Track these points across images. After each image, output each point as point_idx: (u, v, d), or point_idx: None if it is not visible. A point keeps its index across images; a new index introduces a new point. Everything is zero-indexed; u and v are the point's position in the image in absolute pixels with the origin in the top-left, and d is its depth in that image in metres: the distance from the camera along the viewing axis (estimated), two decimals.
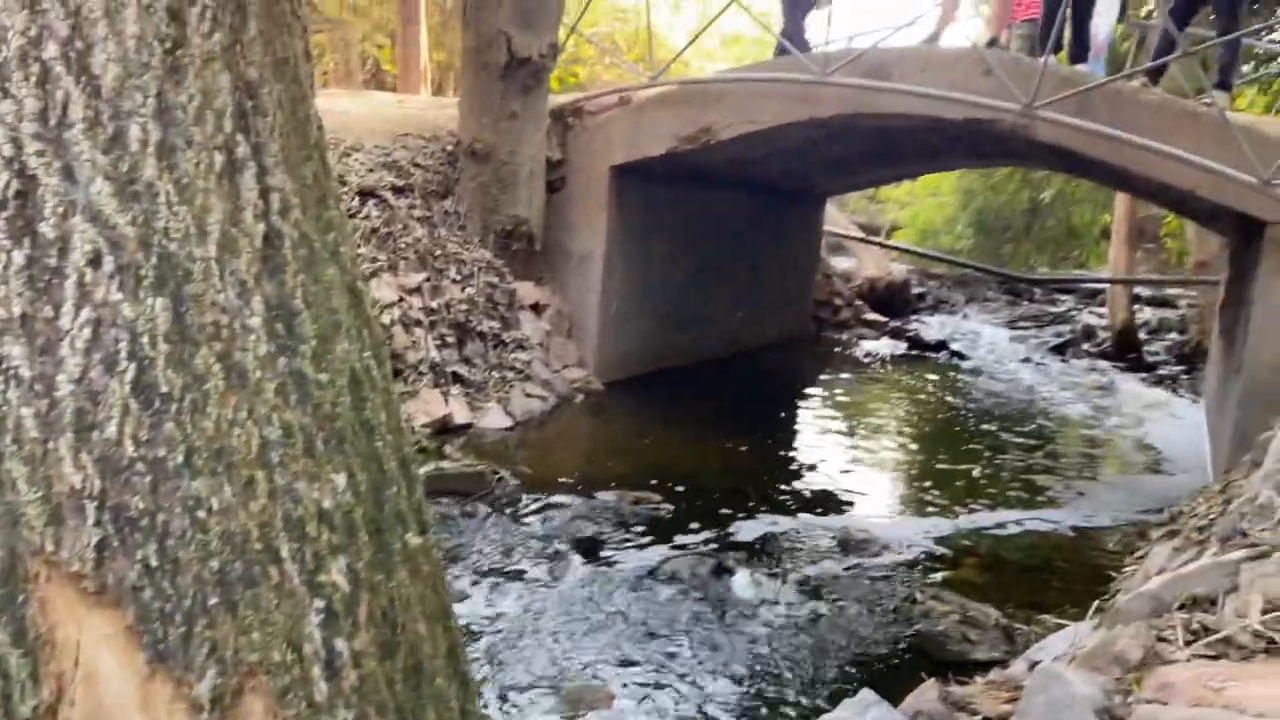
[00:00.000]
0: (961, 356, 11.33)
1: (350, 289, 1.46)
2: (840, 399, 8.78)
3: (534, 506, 5.03)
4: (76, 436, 1.15)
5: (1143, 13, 11.49)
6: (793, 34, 7.61)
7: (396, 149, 7.17)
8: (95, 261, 1.21)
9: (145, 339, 1.20)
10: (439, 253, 6.83)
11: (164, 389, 1.19)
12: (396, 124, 7.60)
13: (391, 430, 1.42)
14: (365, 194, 6.62)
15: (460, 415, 6.17)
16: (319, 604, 1.23)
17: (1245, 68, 9.64)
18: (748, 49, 22.03)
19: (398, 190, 6.87)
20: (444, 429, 5.98)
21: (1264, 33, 10.05)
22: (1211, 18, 7.36)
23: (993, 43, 7.22)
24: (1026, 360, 11.36)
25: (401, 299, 6.37)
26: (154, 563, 1.14)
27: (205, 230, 1.29)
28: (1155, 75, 6.86)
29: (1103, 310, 13.85)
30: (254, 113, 1.40)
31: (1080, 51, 7.57)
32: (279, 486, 1.24)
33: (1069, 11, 6.93)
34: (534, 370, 6.93)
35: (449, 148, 7.46)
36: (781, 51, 7.51)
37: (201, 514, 1.17)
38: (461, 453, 5.71)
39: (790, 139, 7.78)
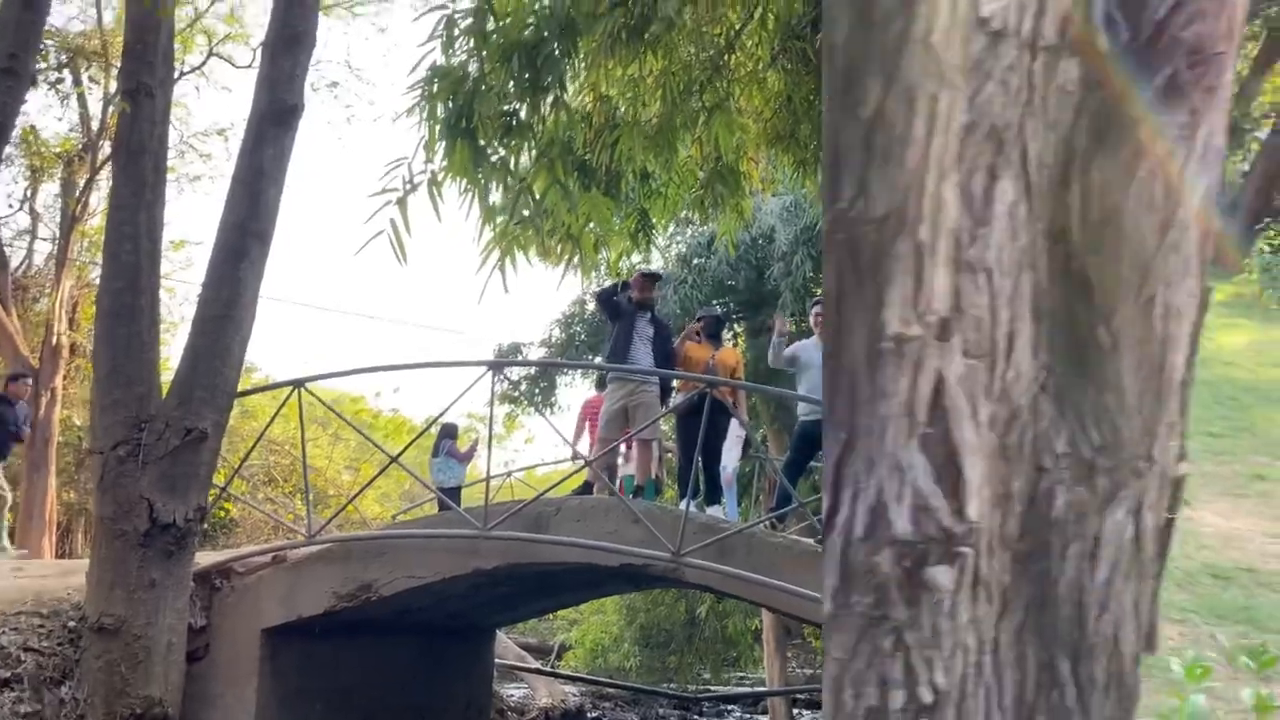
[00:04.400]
0: None
1: None
2: None
3: None
4: None
5: (760, 436, 13.19)
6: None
7: (5, 632, 6.27)
8: None
9: None
10: None
11: None
12: (9, 599, 6.71)
13: None
14: None
15: None
16: None
17: None
18: (407, 477, 22.36)
19: (2, 683, 5.92)
20: None
21: None
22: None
23: (639, 491, 7.86)
24: None
25: None
26: None
27: None
28: (781, 517, 7.72)
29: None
30: None
31: (714, 493, 8.44)
32: None
33: (701, 461, 7.82)
34: None
35: (71, 624, 6.65)
36: (444, 507, 7.70)
37: None
38: None
39: (456, 588, 7.77)
